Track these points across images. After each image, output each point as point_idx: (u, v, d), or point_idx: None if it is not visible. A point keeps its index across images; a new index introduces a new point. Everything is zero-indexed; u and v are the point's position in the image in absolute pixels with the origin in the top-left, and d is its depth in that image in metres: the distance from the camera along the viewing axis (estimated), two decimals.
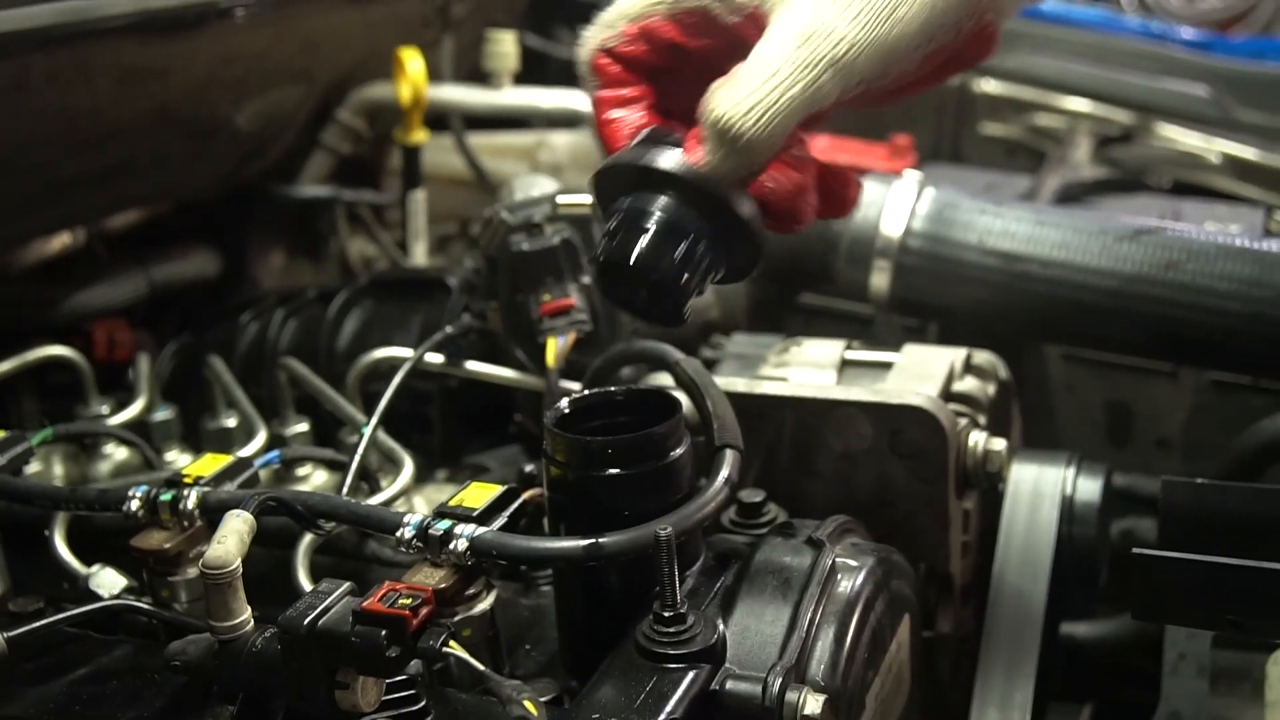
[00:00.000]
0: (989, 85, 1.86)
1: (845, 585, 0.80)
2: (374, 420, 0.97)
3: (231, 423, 1.14)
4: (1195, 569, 0.78)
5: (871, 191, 1.16)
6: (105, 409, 1.17)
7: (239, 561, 0.75)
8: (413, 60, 1.35)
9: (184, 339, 1.32)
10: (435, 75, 1.50)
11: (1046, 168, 1.59)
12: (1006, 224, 1.11)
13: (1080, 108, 1.79)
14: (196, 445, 1.17)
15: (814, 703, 0.72)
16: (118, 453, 1.16)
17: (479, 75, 1.62)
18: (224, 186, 1.42)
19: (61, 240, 1.35)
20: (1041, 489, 1.04)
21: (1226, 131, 1.71)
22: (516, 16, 1.77)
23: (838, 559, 0.82)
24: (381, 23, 1.46)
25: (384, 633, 0.69)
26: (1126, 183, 1.59)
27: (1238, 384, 1.26)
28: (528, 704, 0.68)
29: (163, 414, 1.15)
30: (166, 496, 0.87)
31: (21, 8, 0.99)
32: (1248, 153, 1.66)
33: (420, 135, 1.41)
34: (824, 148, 1.59)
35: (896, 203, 1.14)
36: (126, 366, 1.33)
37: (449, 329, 1.09)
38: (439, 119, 1.55)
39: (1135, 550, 0.80)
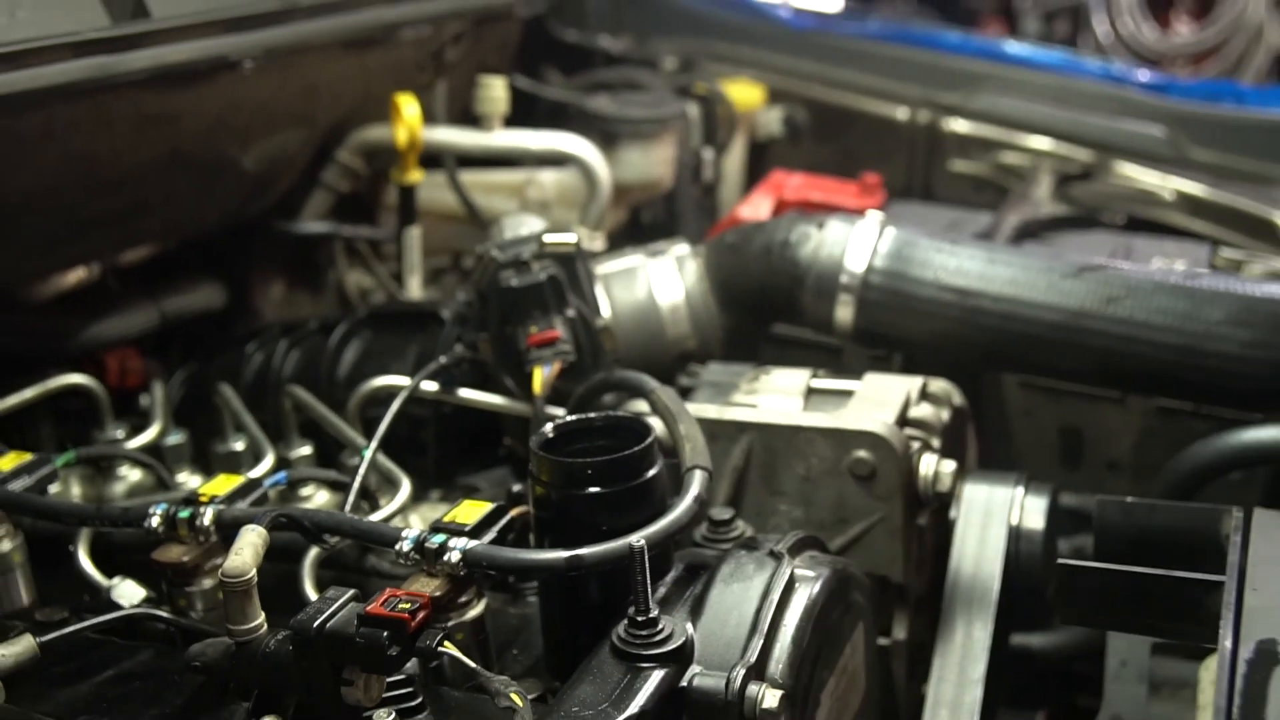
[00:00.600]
0: (958, 125, 1.95)
1: (803, 593, 0.88)
2: (374, 443, 1.05)
3: (239, 446, 1.22)
4: (1115, 578, 0.86)
5: (836, 230, 1.24)
6: (120, 433, 1.25)
7: (254, 571, 0.84)
8: (409, 105, 1.44)
9: (192, 367, 1.41)
10: (430, 117, 1.58)
11: (1007, 205, 1.68)
12: (960, 262, 1.19)
13: (1043, 146, 1.88)
14: (207, 467, 1.25)
15: (771, 697, 0.80)
16: (132, 474, 1.23)
17: (471, 117, 1.71)
18: (229, 223, 1.50)
19: (77, 275, 1.43)
20: (992, 508, 1.13)
21: (1180, 169, 1.80)
22: (507, 60, 1.86)
23: (796, 570, 0.90)
24: (379, 69, 1.54)
25: (386, 634, 0.77)
26: (1082, 219, 1.68)
27: (1181, 410, 1.34)
28: (514, 696, 0.76)
29: (175, 438, 1.23)
30: (185, 514, 0.95)
31: (51, 65, 1.07)
32: (1199, 190, 1.75)
33: (415, 175, 1.50)
34: (798, 185, 1.68)
35: (859, 241, 1.23)
36: (137, 393, 1.41)
37: (443, 359, 1.17)
38: (433, 158, 1.63)
39: (1060, 561, 0.89)
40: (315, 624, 0.78)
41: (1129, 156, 1.83)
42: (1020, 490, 1.13)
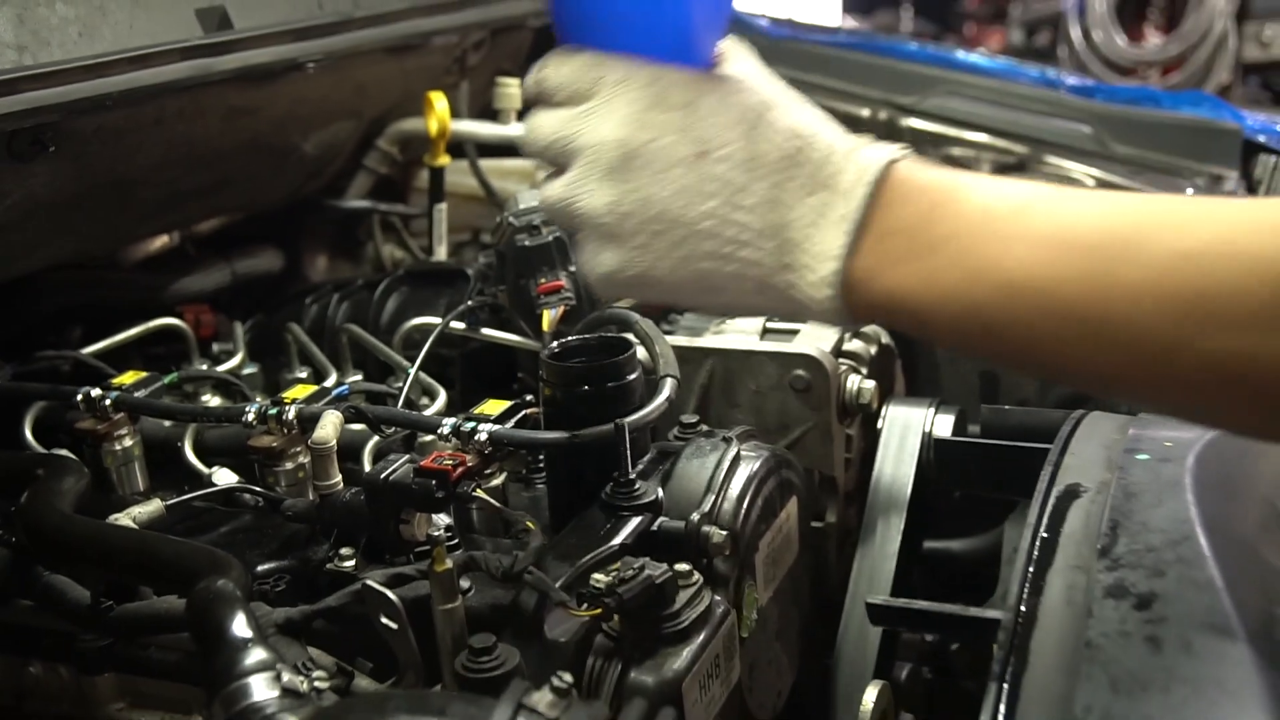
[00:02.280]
0: (912, 122, 2.22)
1: (746, 466, 1.16)
2: (417, 362, 1.34)
3: (304, 375, 1.50)
4: (974, 449, 1.15)
5: None
6: (205, 366, 1.54)
7: (334, 441, 1.12)
8: (439, 101, 1.72)
9: (259, 317, 1.69)
10: (455, 112, 1.86)
11: None
12: None
13: (985, 140, 2.16)
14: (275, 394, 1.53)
15: (718, 535, 1.08)
16: (214, 400, 1.52)
17: (490, 113, 1.99)
18: (289, 199, 1.79)
19: (162, 240, 1.72)
20: (909, 422, 1.41)
21: (1103, 162, 2.08)
22: (521, 64, 2.14)
23: (742, 451, 1.18)
24: (414, 70, 1.83)
25: (434, 482, 1.05)
26: None
27: None
28: (529, 523, 1.05)
29: (250, 369, 1.52)
30: (273, 411, 1.23)
31: (163, 66, 1.36)
32: (1117, 179, 2.02)
33: (444, 159, 1.78)
34: None
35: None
36: (210, 342, 1.69)
37: (470, 303, 1.46)
38: (457, 147, 1.91)
39: (936, 437, 1.17)
40: (381, 476, 1.06)
41: (1059, 151, 2.11)
42: (933, 410, 1.41)
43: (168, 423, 1.41)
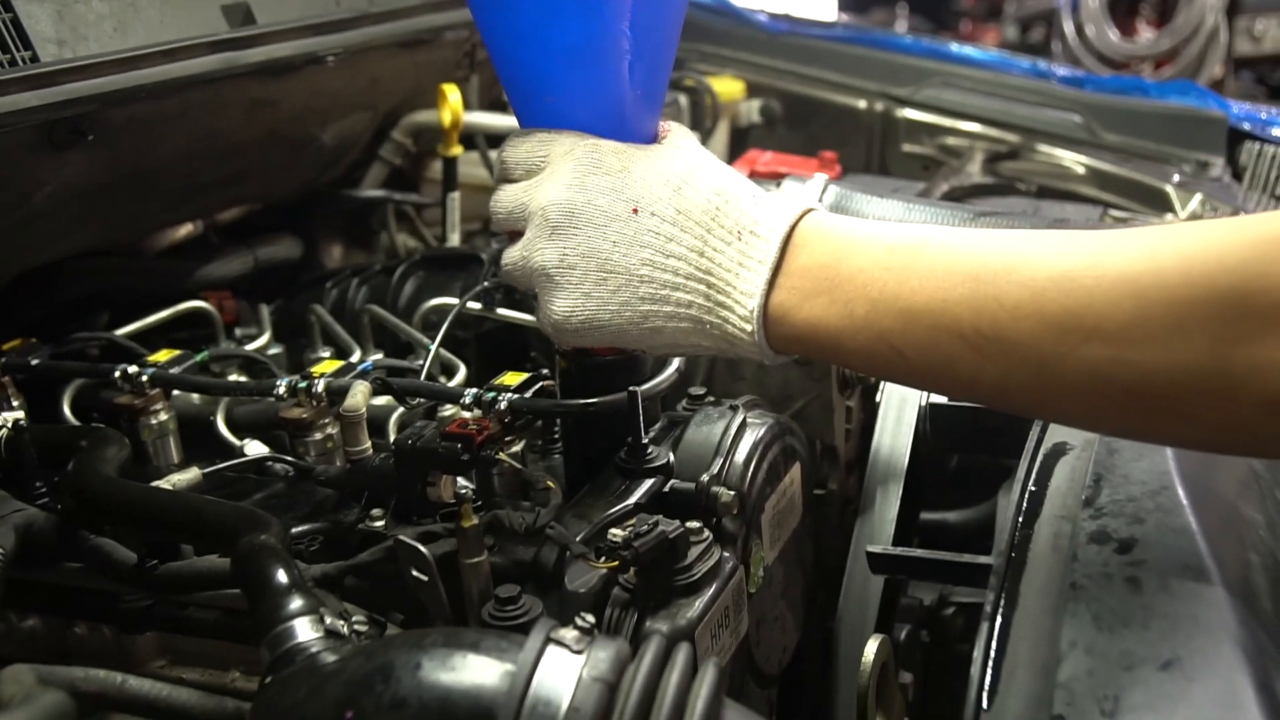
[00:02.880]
0: (908, 113, 2.30)
1: (752, 432, 1.23)
2: (438, 339, 1.40)
3: (326, 354, 1.57)
4: (965, 413, 1.21)
5: (790, 187, 1.59)
6: (232, 346, 1.61)
7: (364, 409, 1.19)
8: (453, 93, 1.78)
9: (280, 302, 1.75)
10: (465, 105, 1.93)
11: (939, 175, 2.03)
12: (884, 209, 1.54)
13: (978, 130, 2.23)
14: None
15: (727, 495, 1.15)
16: (240, 378, 1.58)
17: (499, 104, 2.06)
18: (306, 189, 1.86)
19: (185, 229, 1.78)
20: (906, 395, 1.47)
21: (1093, 150, 2.15)
22: None
23: (749, 418, 1.24)
24: (426, 64, 1.89)
25: (459, 445, 1.12)
26: (1002, 187, 2.03)
27: None
28: (549, 483, 1.11)
29: (276, 348, 1.58)
30: (303, 384, 1.30)
31: (189, 59, 1.43)
32: (1106, 166, 2.09)
33: (457, 149, 1.84)
34: (769, 160, 2.03)
35: (808, 196, 1.57)
36: (232, 327, 1.75)
37: (485, 284, 1.52)
38: (467, 138, 1.98)
39: (929, 402, 1.24)
40: (409, 441, 1.13)
41: (1049, 140, 2.18)
42: None
43: (197, 399, 1.48)
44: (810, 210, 0.93)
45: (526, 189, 0.98)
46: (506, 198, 1.00)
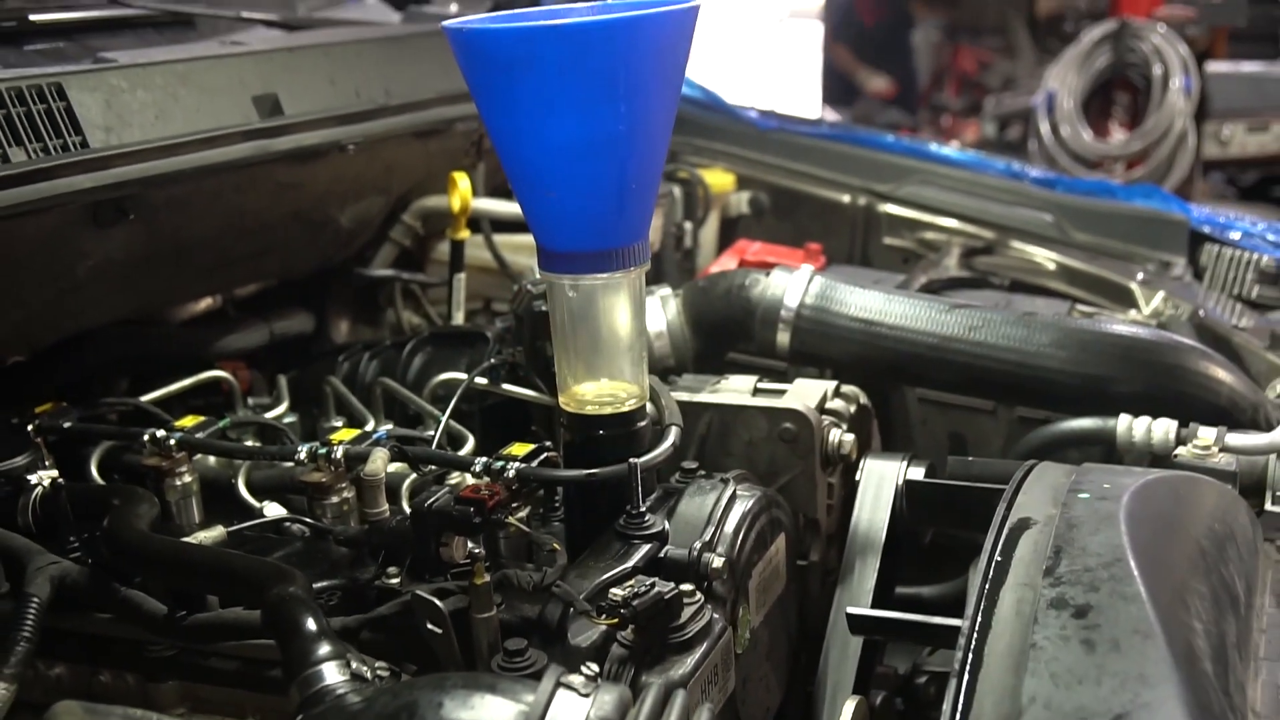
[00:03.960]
0: (889, 208, 2.42)
1: (741, 504, 1.32)
2: (448, 411, 1.50)
3: (339, 423, 1.66)
4: (939, 489, 1.31)
5: (778, 278, 1.70)
6: (250, 414, 1.70)
7: (383, 473, 1.28)
8: (463, 180, 1.90)
9: (294, 373, 1.85)
10: (472, 191, 2.04)
11: (918, 268, 2.14)
12: (866, 300, 1.65)
13: (955, 226, 2.35)
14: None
15: (717, 561, 1.24)
16: (255, 443, 1.67)
17: (502, 190, 2.18)
18: (321, 267, 1.96)
19: (206, 301, 1.88)
20: (884, 473, 1.57)
21: (1063, 248, 2.28)
22: None
23: (738, 490, 1.34)
24: (437, 152, 2.01)
25: (472, 509, 1.21)
26: (976, 280, 2.14)
27: (1034, 417, 1.79)
28: (555, 545, 1.20)
29: (291, 418, 1.68)
30: (323, 450, 1.39)
31: (225, 146, 1.54)
32: (1075, 263, 2.21)
33: (465, 233, 1.95)
34: (757, 250, 2.14)
35: (795, 285, 1.68)
36: (245, 396, 1.84)
37: (492, 360, 1.62)
38: (472, 222, 2.09)
39: (907, 479, 1.34)
40: (426, 504, 1.22)
41: (1023, 236, 2.31)
42: (905, 463, 1.57)
43: (213, 461, 1.57)
44: None
45: None
46: None
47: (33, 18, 1.69)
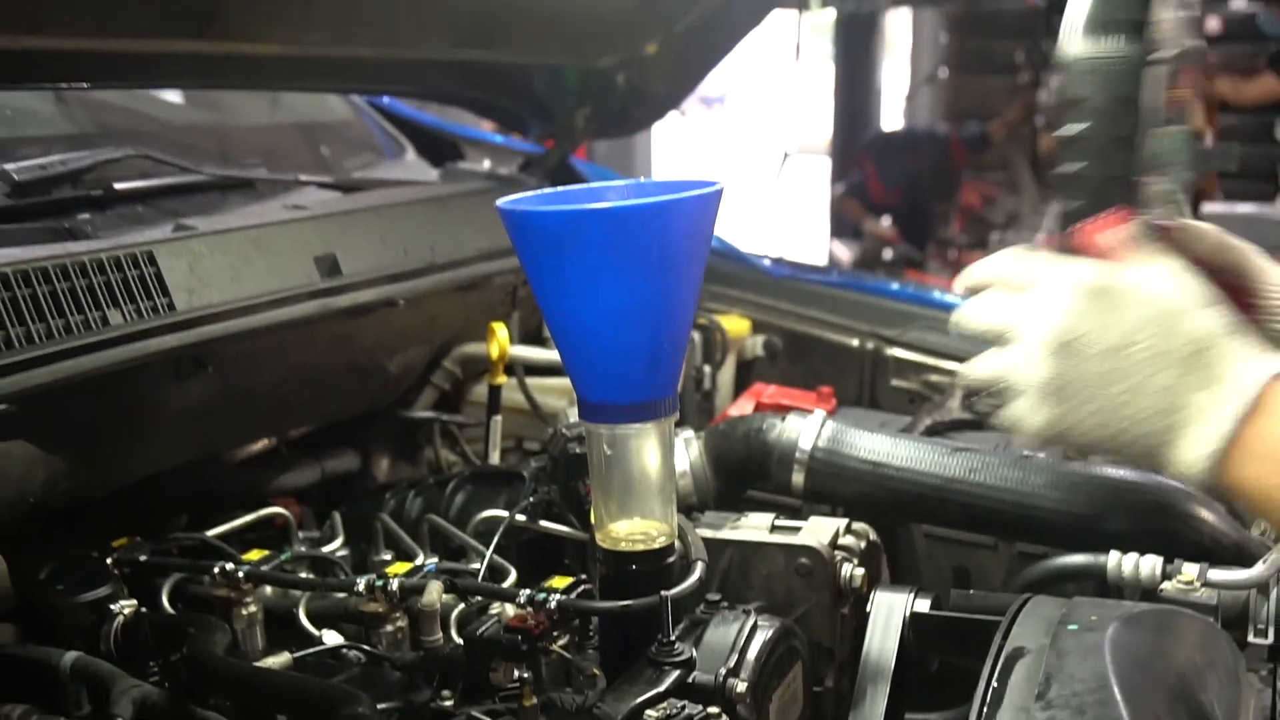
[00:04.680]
0: (896, 351, 2.57)
1: (762, 633, 1.45)
2: (491, 546, 1.64)
3: (388, 556, 1.80)
4: (944, 621, 1.44)
5: (793, 422, 1.85)
6: (303, 548, 1.83)
7: (438, 604, 1.42)
8: (501, 330, 2.06)
9: (343, 509, 1.99)
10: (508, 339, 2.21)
11: (923, 410, 2.29)
12: (875, 444, 1.79)
13: (958, 369, 2.50)
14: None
15: (741, 687, 1.36)
16: (310, 575, 1.80)
17: (532, 337, 2.35)
18: (368, 410, 2.12)
19: (261, 442, 2.03)
20: (893, 604, 1.69)
21: None
22: None
23: (759, 621, 1.47)
24: (475, 304, 2.18)
25: (519, 637, 1.34)
26: (977, 422, 2.29)
27: (1034, 553, 1.92)
28: (595, 670, 1.33)
29: (344, 551, 1.82)
30: (380, 582, 1.52)
31: (290, 306, 1.70)
32: None
33: (502, 378, 2.11)
34: (772, 393, 2.30)
35: (809, 429, 1.83)
36: (296, 530, 1.98)
37: (531, 499, 1.76)
38: (507, 366, 2.25)
39: (914, 612, 1.47)
40: (477, 632, 1.35)
41: None
42: (912, 596, 1.70)
43: (269, 591, 1.70)
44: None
45: (1021, 305, 1.09)
46: (995, 306, 1.11)
47: (117, 186, 1.88)
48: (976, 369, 1.15)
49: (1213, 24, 9.66)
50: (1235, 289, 1.29)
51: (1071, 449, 1.12)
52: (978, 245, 8.03)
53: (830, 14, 10.79)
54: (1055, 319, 1.07)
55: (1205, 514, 1.72)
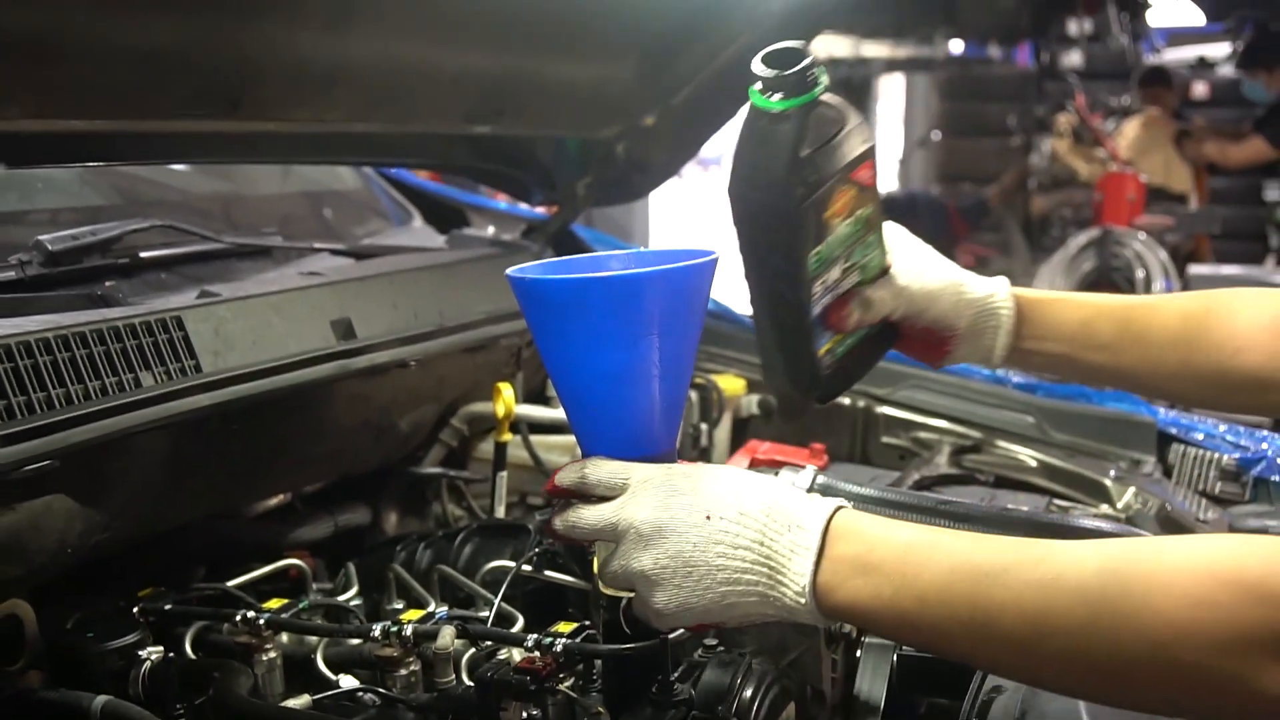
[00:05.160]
0: (886, 410, 2.67)
1: (757, 674, 1.53)
2: (500, 594, 1.72)
3: (400, 605, 1.88)
4: (928, 661, 1.53)
5: (787, 476, 1.94)
6: (319, 597, 1.92)
7: (451, 648, 1.50)
8: (507, 390, 2.16)
9: (355, 560, 2.08)
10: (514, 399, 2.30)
11: (911, 465, 2.39)
12: (862, 492, 1.88)
13: (945, 426, 2.60)
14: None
15: None
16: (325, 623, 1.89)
17: (534, 396, 2.44)
18: (380, 467, 2.21)
19: (278, 497, 2.13)
20: (882, 650, 1.78)
21: (1044, 447, 2.52)
22: None
23: (753, 663, 1.55)
24: (482, 364, 2.28)
25: (528, 678, 1.42)
26: (964, 477, 2.38)
27: None
28: (600, 710, 1.41)
29: (357, 601, 1.90)
30: (394, 629, 1.61)
31: (311, 368, 1.80)
32: (1054, 461, 2.45)
33: (507, 436, 2.20)
34: (767, 449, 2.39)
35: (801, 483, 1.92)
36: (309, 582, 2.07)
37: (536, 550, 1.85)
38: (512, 424, 2.34)
39: (900, 654, 1.55)
40: (488, 674, 1.44)
41: (1006, 436, 2.55)
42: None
43: (285, 638, 1.78)
44: (841, 508, 1.20)
45: (615, 510, 1.24)
46: (594, 515, 1.26)
47: (143, 254, 1.99)
48: (603, 573, 1.30)
49: (1200, 89, 9.88)
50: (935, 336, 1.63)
51: (698, 621, 1.26)
52: None
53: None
54: (643, 515, 1.22)
55: None
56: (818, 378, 1.61)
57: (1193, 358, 1.57)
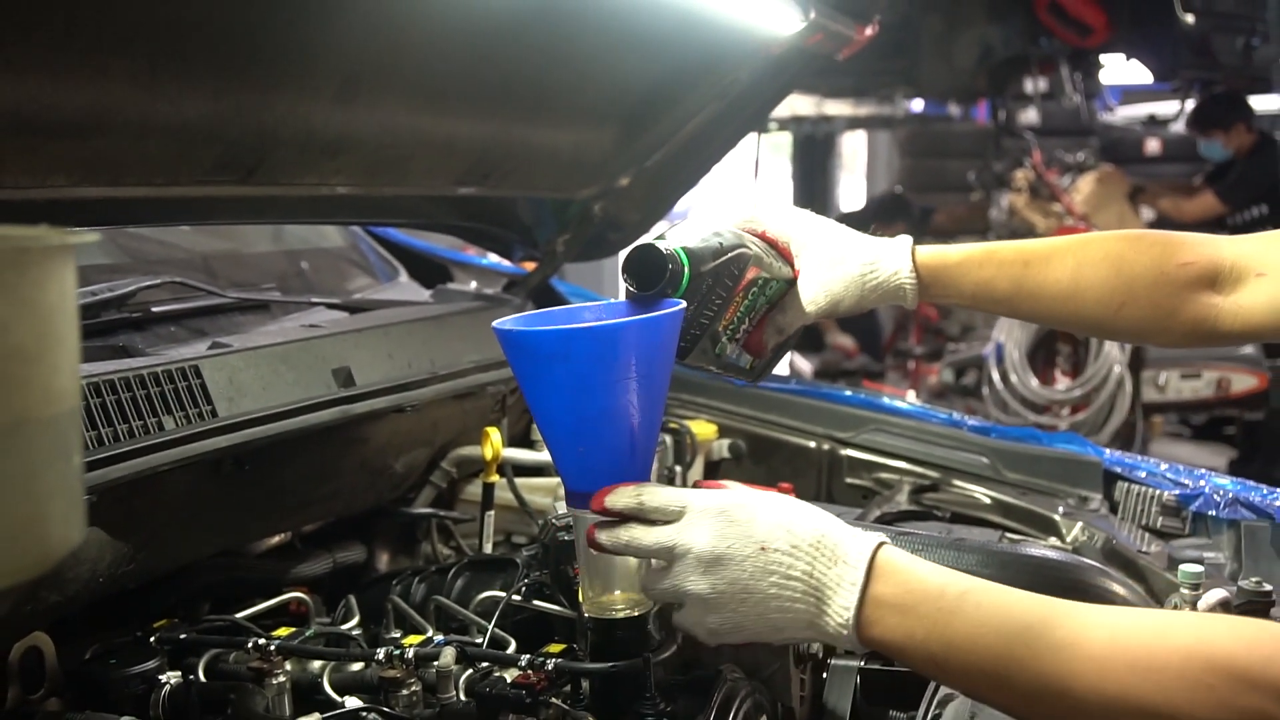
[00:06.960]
0: (849, 452, 2.83)
1: (731, 690, 1.67)
2: (493, 621, 1.86)
3: (398, 634, 2.01)
4: (886, 674, 1.67)
5: None
6: (321, 627, 2.04)
7: (453, 666, 1.64)
8: (495, 434, 2.30)
9: (353, 595, 2.20)
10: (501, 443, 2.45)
11: (873, 503, 2.54)
12: None
13: (905, 467, 2.76)
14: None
15: None
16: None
17: (517, 440, 2.59)
18: (375, 507, 2.35)
19: (279, 536, 2.26)
20: (846, 669, 1.92)
21: (997, 485, 2.68)
22: None
23: (729, 680, 1.70)
24: (471, 410, 2.43)
25: (524, 692, 1.56)
26: (922, 514, 2.54)
27: None
28: (590, 718, 1.55)
29: (357, 631, 2.03)
30: (397, 652, 1.74)
31: (321, 411, 1.94)
32: (1007, 498, 2.61)
33: (495, 477, 2.35)
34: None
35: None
36: (308, 616, 2.19)
37: (525, 581, 1.99)
38: (499, 468, 2.48)
39: (863, 668, 1.70)
40: (487, 690, 1.57)
41: (962, 476, 2.71)
42: (862, 659, 1.93)
43: (288, 666, 1.91)
44: (883, 543, 1.30)
45: (674, 534, 1.33)
46: (653, 538, 1.34)
47: (154, 309, 2.13)
48: (651, 587, 1.40)
49: (1153, 145, 10.19)
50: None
51: (745, 640, 1.37)
52: (934, 356, 8.34)
53: (788, 135, 11.27)
54: (701, 543, 1.31)
55: (1117, 587, 1.97)
56: (747, 371, 1.84)
57: (1083, 310, 1.71)
